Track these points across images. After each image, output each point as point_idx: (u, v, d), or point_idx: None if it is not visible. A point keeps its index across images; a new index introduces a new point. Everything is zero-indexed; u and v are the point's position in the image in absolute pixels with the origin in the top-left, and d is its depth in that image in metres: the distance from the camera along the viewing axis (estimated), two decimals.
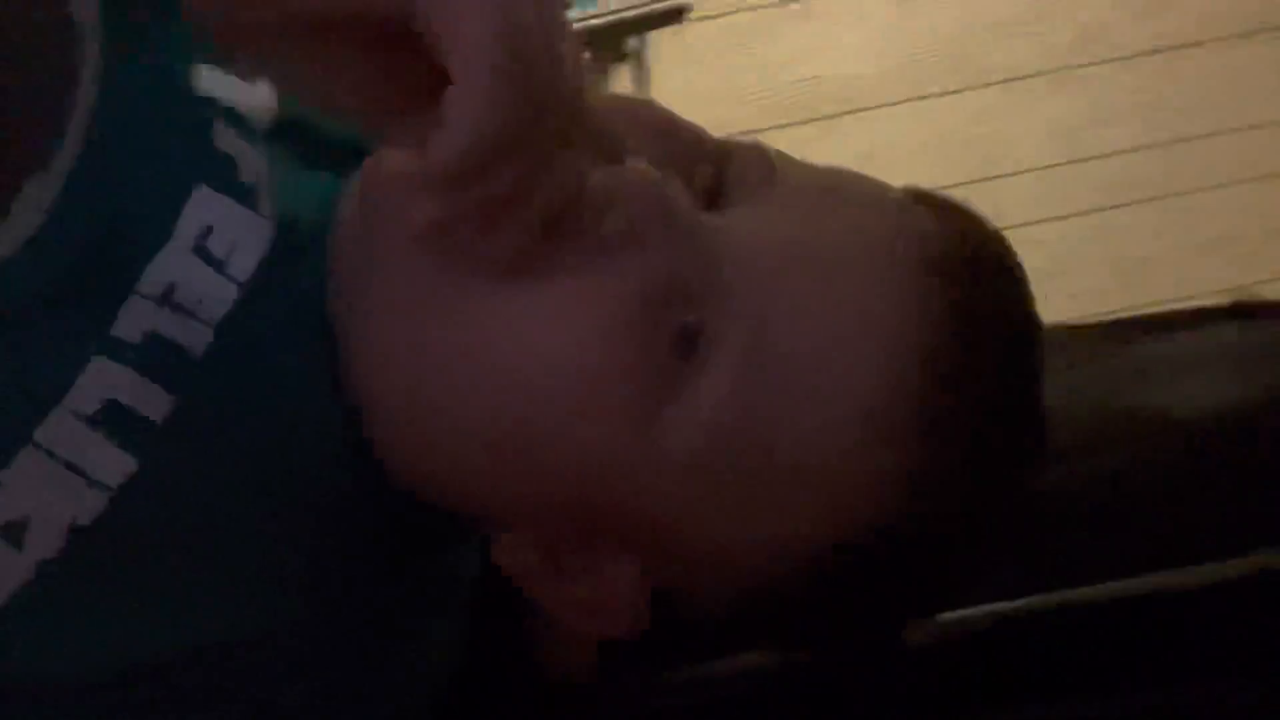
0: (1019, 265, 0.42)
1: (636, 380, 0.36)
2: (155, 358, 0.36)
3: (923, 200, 0.42)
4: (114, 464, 0.36)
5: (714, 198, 0.39)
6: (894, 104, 1.69)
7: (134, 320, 0.36)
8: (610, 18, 1.47)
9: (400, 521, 0.42)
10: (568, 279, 0.36)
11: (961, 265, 0.39)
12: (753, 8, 1.65)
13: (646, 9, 1.48)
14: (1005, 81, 1.71)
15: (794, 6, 1.68)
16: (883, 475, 0.38)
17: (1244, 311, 1.58)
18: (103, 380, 0.36)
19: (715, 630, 0.45)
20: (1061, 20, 1.72)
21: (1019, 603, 0.47)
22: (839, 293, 0.38)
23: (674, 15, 1.49)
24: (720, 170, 0.40)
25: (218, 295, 0.37)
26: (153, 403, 0.36)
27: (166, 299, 0.36)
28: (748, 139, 0.41)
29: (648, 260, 0.36)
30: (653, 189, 0.37)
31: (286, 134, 0.41)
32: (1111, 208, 1.73)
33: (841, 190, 0.41)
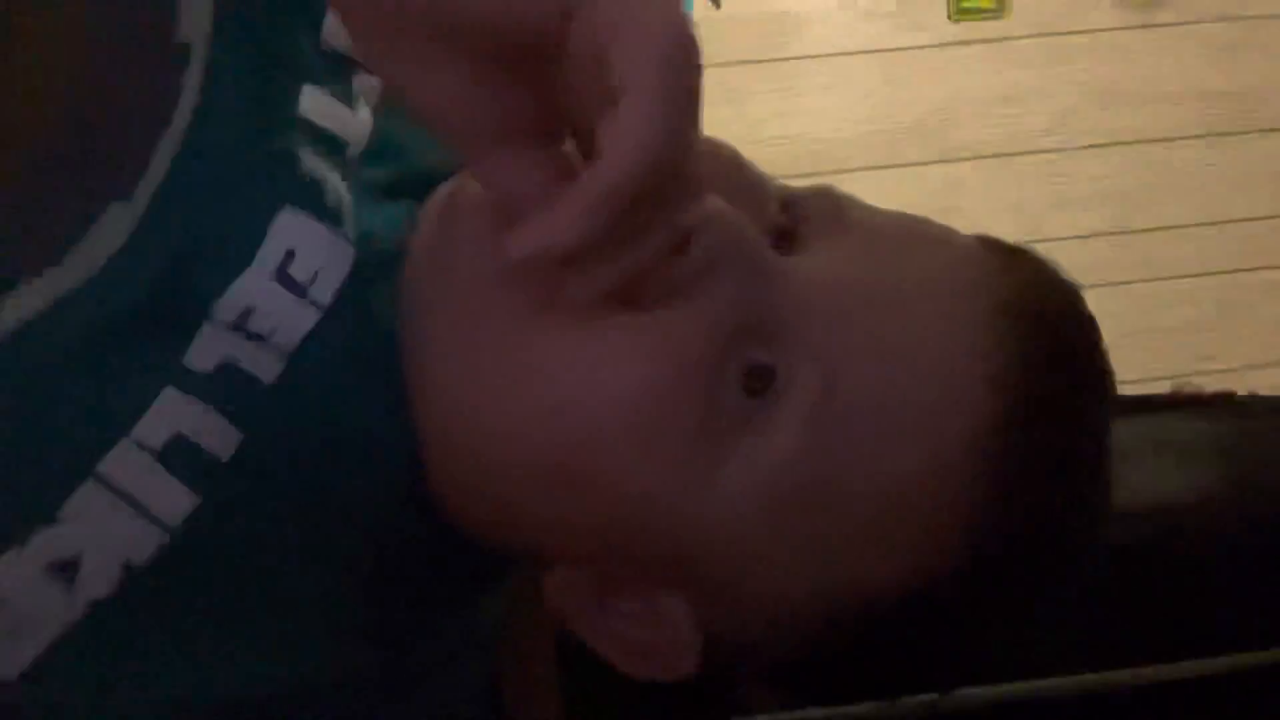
0: (1090, 315, 0.40)
1: (703, 421, 0.35)
2: (226, 389, 0.35)
3: (993, 248, 0.40)
4: (176, 500, 0.34)
5: (784, 238, 0.38)
6: (868, 169, 1.73)
7: (207, 348, 0.35)
8: None
9: (456, 564, 0.40)
10: (643, 316, 0.34)
11: (1035, 311, 0.38)
12: (742, 62, 1.69)
13: None
14: (976, 158, 1.76)
15: (783, 65, 1.73)
16: (954, 525, 0.37)
17: (1181, 403, 1.63)
18: (172, 412, 0.34)
19: (731, 684, 0.44)
20: (1037, 105, 1.78)
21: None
22: (913, 338, 0.36)
23: None
24: (790, 211, 0.38)
25: (295, 322, 0.36)
26: (220, 438, 0.35)
27: (241, 325, 0.35)
28: (816, 184, 0.40)
29: (723, 296, 0.35)
30: (732, 225, 0.35)
31: (373, 161, 0.40)
32: None
33: (912, 234, 0.39)
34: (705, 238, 0.34)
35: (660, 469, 0.35)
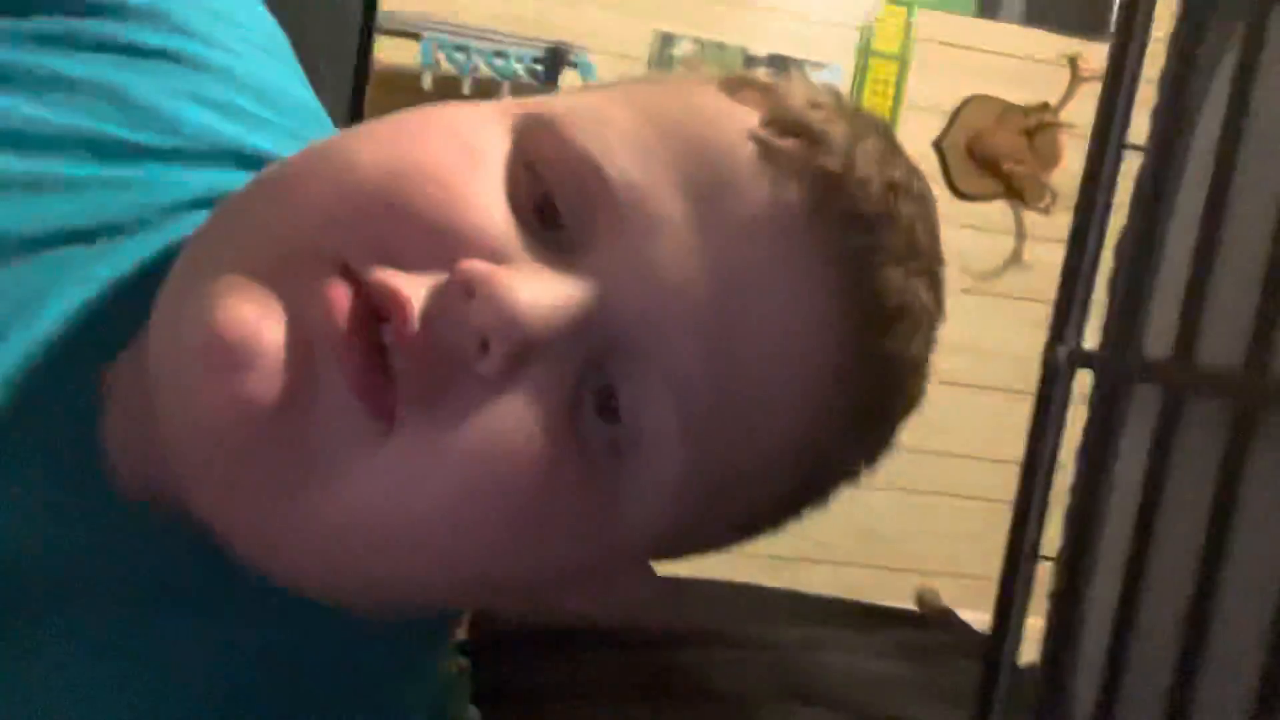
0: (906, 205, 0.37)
1: (583, 489, 0.33)
2: None
3: (776, 132, 0.36)
4: None
5: (554, 245, 0.34)
6: None
7: None
8: None
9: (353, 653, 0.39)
10: (463, 427, 0.32)
11: (855, 246, 0.35)
12: None
13: None
14: None
15: None
16: (837, 422, 0.37)
17: (917, 620, 1.88)
18: None
19: None
20: None
21: None
22: (736, 309, 0.34)
23: None
24: (547, 196, 0.34)
25: None
26: None
27: None
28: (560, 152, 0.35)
29: (539, 380, 0.32)
30: (496, 310, 0.31)
31: None
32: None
33: (688, 179, 0.34)
34: (476, 333, 0.31)
35: (567, 533, 0.34)
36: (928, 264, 0.38)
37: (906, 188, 0.37)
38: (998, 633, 1.11)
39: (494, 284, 0.31)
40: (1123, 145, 0.57)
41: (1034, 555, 0.99)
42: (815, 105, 0.37)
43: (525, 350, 0.32)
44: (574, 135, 0.34)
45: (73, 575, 0.36)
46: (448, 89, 2.08)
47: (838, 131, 0.36)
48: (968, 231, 2.46)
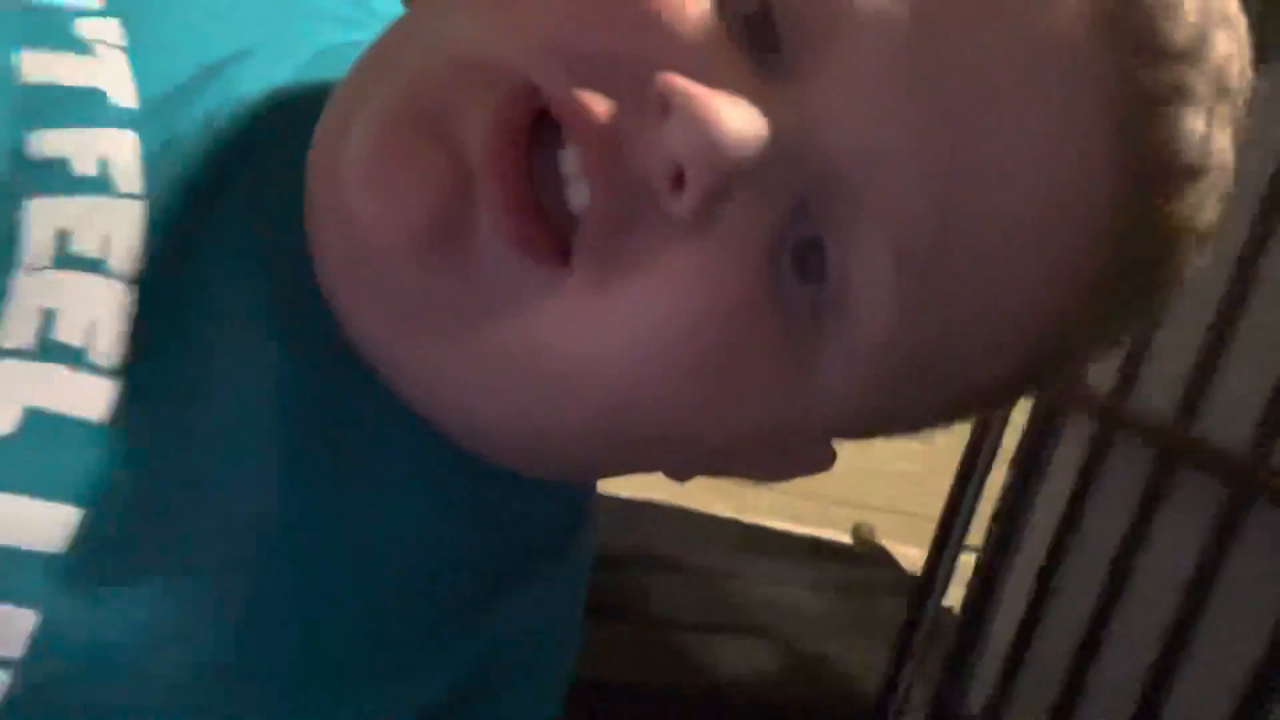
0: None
1: (783, 330, 0.29)
2: (41, 458, 0.27)
3: None
4: (10, 625, 0.26)
5: (771, 66, 0.28)
6: None
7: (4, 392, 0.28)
8: None
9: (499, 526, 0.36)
10: (674, 256, 0.28)
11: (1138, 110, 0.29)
12: None
13: None
14: None
15: None
16: (1078, 299, 0.31)
17: (852, 555, 1.91)
18: None
19: None
20: None
21: None
22: (994, 150, 0.28)
23: None
24: (768, 20, 0.29)
25: (105, 310, 0.29)
26: (47, 526, 0.27)
27: (41, 340, 0.28)
28: None
29: (739, 224, 0.28)
30: (696, 132, 0.26)
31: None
32: None
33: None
34: (681, 167, 0.27)
35: (757, 399, 0.30)
36: (1234, 110, 0.31)
37: (1223, 9, 0.31)
38: (928, 576, 1.14)
39: (697, 102, 0.26)
40: None
41: (971, 511, 1.01)
42: None
43: (725, 186, 0.27)
44: None
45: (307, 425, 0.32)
46: None
47: None
48: None
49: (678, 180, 0.27)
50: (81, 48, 0.34)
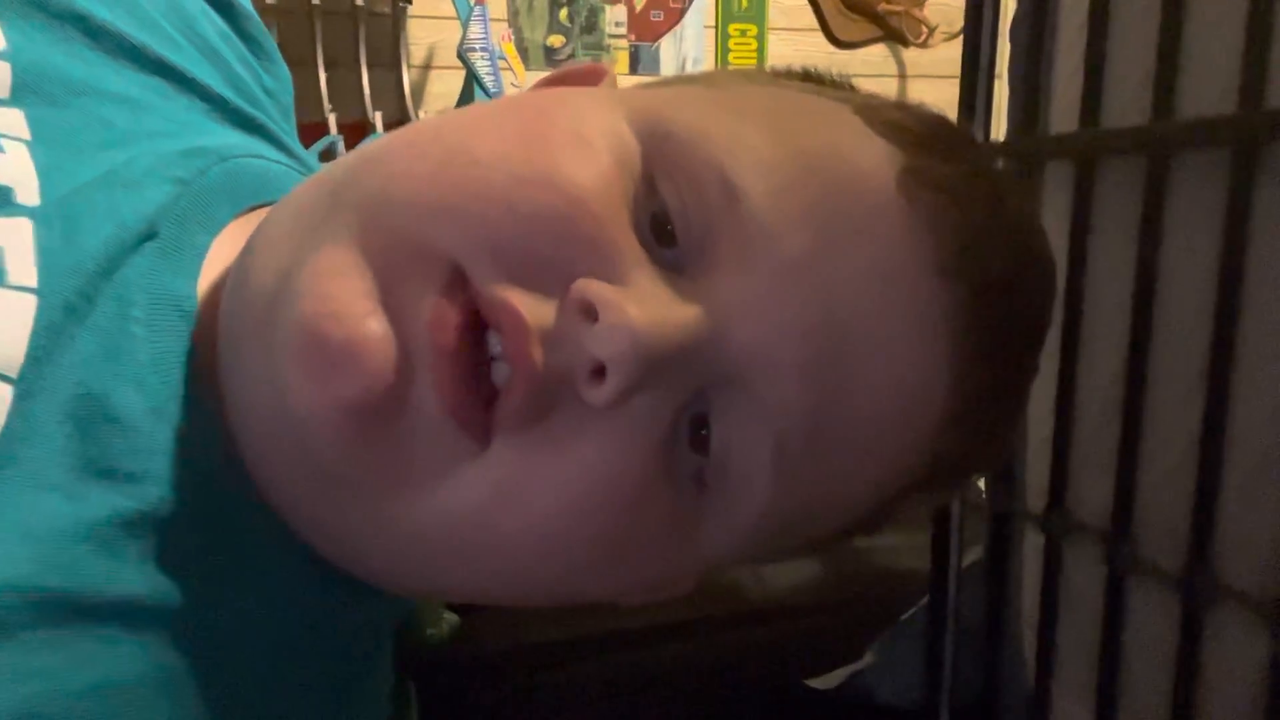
0: (1040, 261, 0.38)
1: (667, 523, 0.33)
2: None
3: (923, 165, 0.34)
4: None
5: (672, 265, 0.33)
6: None
7: None
8: None
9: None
10: (576, 446, 0.31)
11: (986, 294, 0.34)
12: None
13: None
14: None
15: None
16: (923, 453, 0.37)
17: None
18: None
19: None
20: None
21: None
22: (866, 372, 0.33)
23: None
24: (664, 212, 0.33)
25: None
26: None
27: None
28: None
29: (646, 411, 0.31)
30: (619, 339, 0.29)
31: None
32: None
33: (828, 209, 0.33)
34: (597, 357, 0.30)
35: (643, 562, 0.34)
36: (1043, 334, 0.39)
37: (1039, 257, 0.38)
38: None
39: (619, 311, 0.29)
40: None
41: None
42: (958, 154, 0.36)
43: (641, 382, 0.30)
44: (712, 156, 0.32)
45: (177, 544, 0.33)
46: None
47: (979, 190, 0.35)
48: (855, 82, 2.46)
49: (598, 372, 0.30)
50: None
